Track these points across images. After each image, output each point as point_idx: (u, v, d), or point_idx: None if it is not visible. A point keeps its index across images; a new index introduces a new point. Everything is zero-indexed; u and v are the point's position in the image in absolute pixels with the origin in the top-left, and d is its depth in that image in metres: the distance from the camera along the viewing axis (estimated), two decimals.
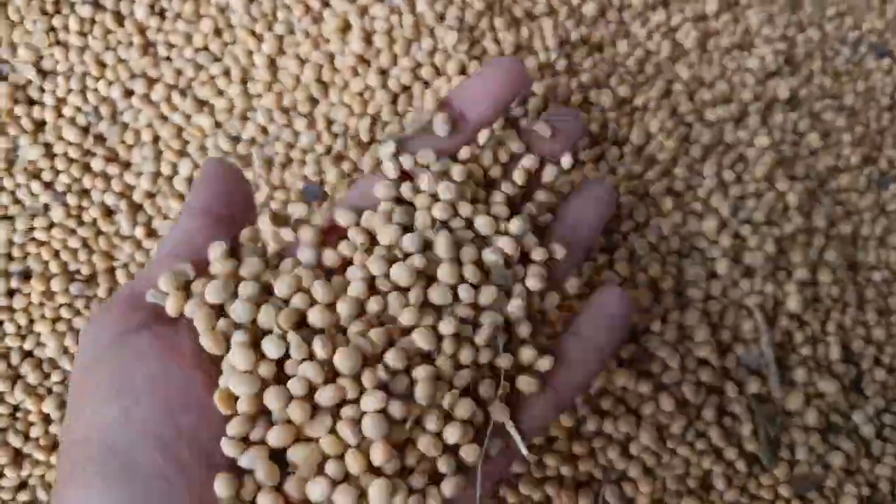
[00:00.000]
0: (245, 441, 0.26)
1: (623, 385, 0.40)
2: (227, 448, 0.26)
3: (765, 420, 0.41)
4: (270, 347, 0.27)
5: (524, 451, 0.29)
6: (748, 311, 0.42)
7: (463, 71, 0.44)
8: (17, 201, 0.45)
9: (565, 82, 0.46)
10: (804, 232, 0.45)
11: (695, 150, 0.45)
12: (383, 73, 0.44)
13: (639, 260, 0.42)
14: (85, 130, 0.46)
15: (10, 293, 0.44)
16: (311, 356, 0.27)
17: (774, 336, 0.42)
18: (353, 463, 0.26)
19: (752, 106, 0.48)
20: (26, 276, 0.44)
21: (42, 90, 0.46)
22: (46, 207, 0.45)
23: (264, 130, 0.45)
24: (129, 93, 0.46)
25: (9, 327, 0.44)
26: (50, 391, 0.43)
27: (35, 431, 0.42)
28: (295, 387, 0.26)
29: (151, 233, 0.45)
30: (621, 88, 0.47)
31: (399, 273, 0.29)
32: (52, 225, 0.45)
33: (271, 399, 0.26)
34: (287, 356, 0.27)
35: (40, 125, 0.46)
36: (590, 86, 0.46)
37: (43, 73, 0.46)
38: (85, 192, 0.46)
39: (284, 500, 0.26)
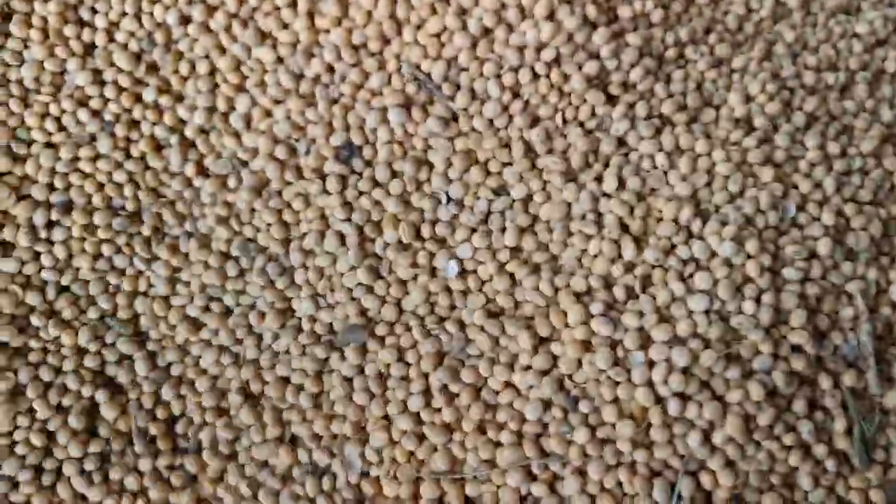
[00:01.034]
0: None
1: (709, 367, 0.36)
2: None
3: (859, 417, 0.37)
4: None
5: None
6: (848, 297, 0.38)
7: (551, 15, 0.40)
8: (62, 128, 0.42)
9: (660, 35, 0.42)
10: None
11: (797, 118, 0.41)
12: (464, 12, 0.41)
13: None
14: (137, 57, 0.43)
15: (50, 225, 0.41)
16: None
17: (875, 326, 0.38)
18: None
19: (859, 75, 0.44)
20: (67, 208, 0.41)
21: (94, 11, 0.43)
22: (93, 137, 0.42)
23: (330, 69, 0.42)
24: (186, 19, 0.43)
25: (46, 260, 0.41)
26: (85, 325, 0.41)
27: (68, 365, 0.40)
28: None
29: (202, 171, 0.42)
30: (720, 47, 0.43)
31: None
32: (97, 156, 0.42)
33: None
34: None
35: (90, 48, 0.43)
36: (686, 41, 0.42)
37: None
38: (134, 124, 0.43)
39: None
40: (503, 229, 0.40)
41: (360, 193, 0.41)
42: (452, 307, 0.40)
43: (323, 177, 0.41)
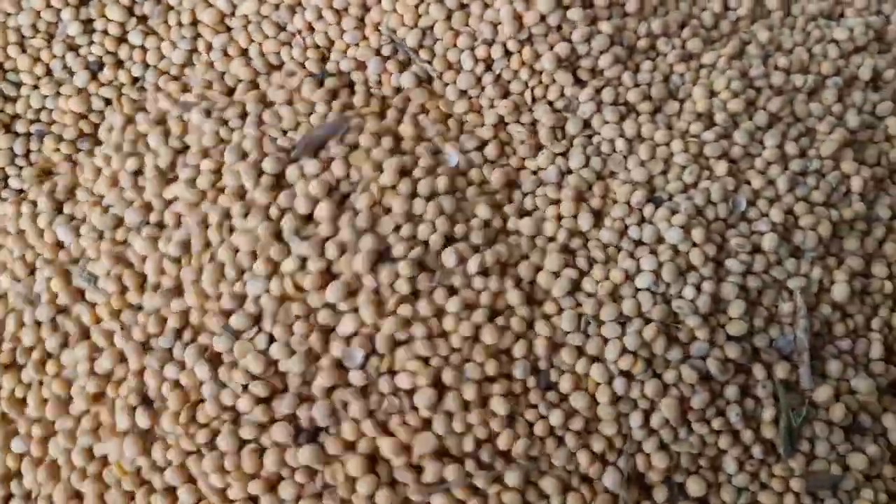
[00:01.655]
0: None
1: (650, 343, 0.37)
2: None
3: (788, 408, 0.38)
4: None
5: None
6: (789, 293, 0.40)
7: None
8: (49, 72, 0.45)
9: (633, 26, 0.43)
10: (864, 220, 0.42)
11: (759, 116, 0.42)
12: None
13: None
14: (129, 10, 0.44)
15: (28, 154, 0.44)
16: None
17: (813, 324, 0.39)
18: None
19: (831, 80, 0.45)
20: (42, 136, 0.44)
21: None
22: (72, 73, 0.44)
23: (310, 27, 0.43)
24: None
25: (13, 182, 0.44)
26: None
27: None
28: None
29: (176, 79, 0.45)
30: (692, 42, 0.44)
31: None
32: (79, 91, 0.44)
33: None
34: None
35: (85, 1, 0.45)
36: (659, 34, 0.43)
37: None
38: (119, 63, 0.45)
39: None
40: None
41: (344, 107, 0.42)
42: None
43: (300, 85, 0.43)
